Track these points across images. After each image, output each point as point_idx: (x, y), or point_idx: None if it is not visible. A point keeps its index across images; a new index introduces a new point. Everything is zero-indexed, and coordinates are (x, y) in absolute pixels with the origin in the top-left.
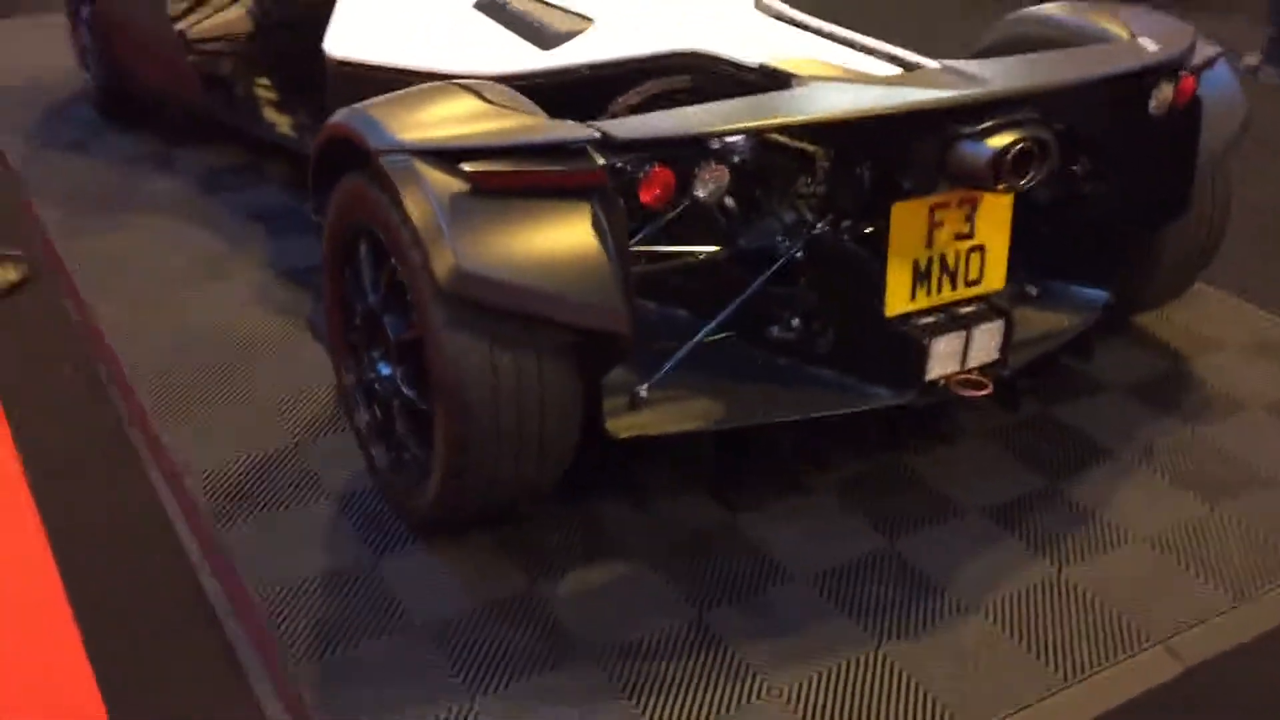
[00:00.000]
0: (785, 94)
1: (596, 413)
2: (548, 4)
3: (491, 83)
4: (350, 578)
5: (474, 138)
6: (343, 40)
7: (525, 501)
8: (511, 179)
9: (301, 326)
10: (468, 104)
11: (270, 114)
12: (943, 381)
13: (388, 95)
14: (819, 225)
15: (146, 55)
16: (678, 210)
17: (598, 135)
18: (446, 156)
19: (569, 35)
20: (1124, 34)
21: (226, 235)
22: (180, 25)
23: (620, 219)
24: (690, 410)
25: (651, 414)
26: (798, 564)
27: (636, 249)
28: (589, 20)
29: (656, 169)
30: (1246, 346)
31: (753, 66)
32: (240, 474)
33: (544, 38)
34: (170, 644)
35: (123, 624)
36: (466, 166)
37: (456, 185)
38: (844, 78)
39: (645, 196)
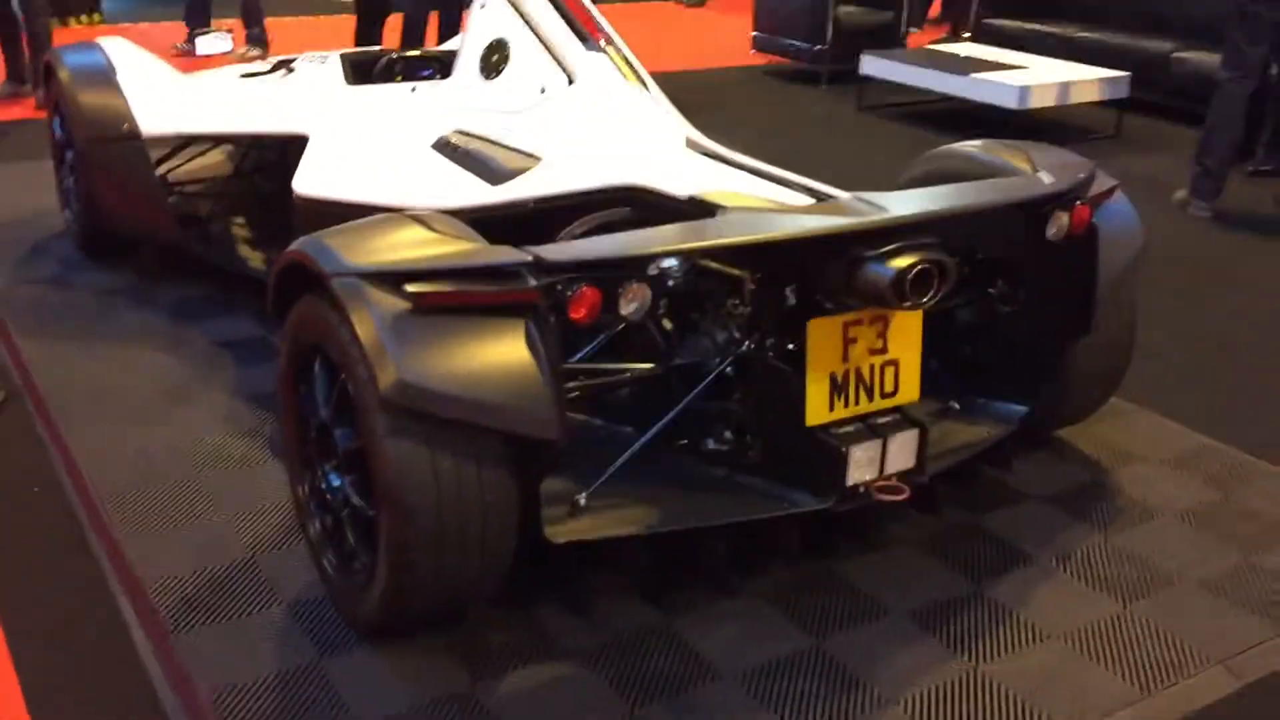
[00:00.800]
0: (703, 222)
1: (535, 518)
2: (500, 145)
3: (437, 213)
4: (299, 679)
5: (417, 261)
6: (310, 180)
7: (468, 603)
8: (451, 298)
9: (263, 446)
10: (414, 232)
11: (243, 250)
12: (863, 488)
13: (341, 225)
14: (746, 343)
15: (124, 196)
16: (615, 329)
17: (530, 259)
18: (391, 278)
19: (517, 172)
20: (1028, 168)
21: (196, 363)
22: (162, 169)
23: (551, 335)
24: (626, 517)
25: (589, 520)
26: (727, 662)
27: (578, 365)
28: (537, 158)
29: (584, 289)
30: (1164, 460)
31: (682, 198)
32: (198, 584)
33: (495, 174)
34: None
35: None
36: (409, 287)
37: (400, 305)
38: (760, 207)
39: (574, 313)
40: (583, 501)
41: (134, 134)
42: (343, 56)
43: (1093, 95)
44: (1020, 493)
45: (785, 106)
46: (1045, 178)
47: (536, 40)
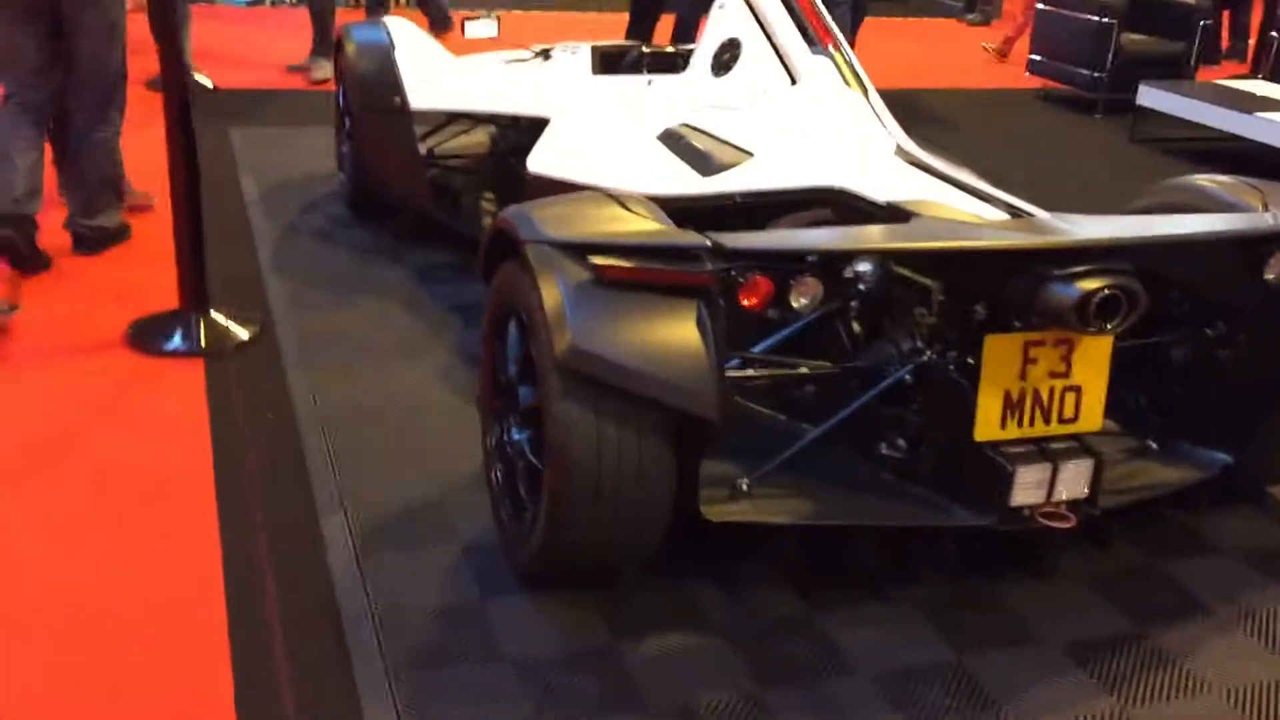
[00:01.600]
0: (889, 227)
1: (693, 495)
2: (719, 139)
3: (636, 195)
4: (458, 613)
5: (605, 235)
6: (543, 159)
7: (621, 565)
8: (631, 273)
9: (470, 401)
10: (609, 210)
11: (487, 223)
12: (1027, 511)
13: (548, 199)
14: (928, 352)
15: (388, 164)
16: (800, 322)
17: (708, 244)
18: (579, 249)
19: (729, 166)
20: (1259, 205)
21: (429, 321)
22: (430, 142)
23: (721, 319)
24: (784, 506)
25: (748, 504)
26: (864, 662)
27: (757, 355)
28: (750, 154)
29: (757, 278)
30: None
31: (882, 204)
32: (390, 516)
33: (708, 166)
34: (300, 645)
35: (263, 620)
36: (593, 259)
37: (584, 275)
38: (952, 218)
39: (745, 300)
40: (745, 486)
41: (404, 107)
42: (593, 48)
43: None
44: (1212, 544)
45: (1054, 132)
46: (1269, 217)
47: (766, 41)
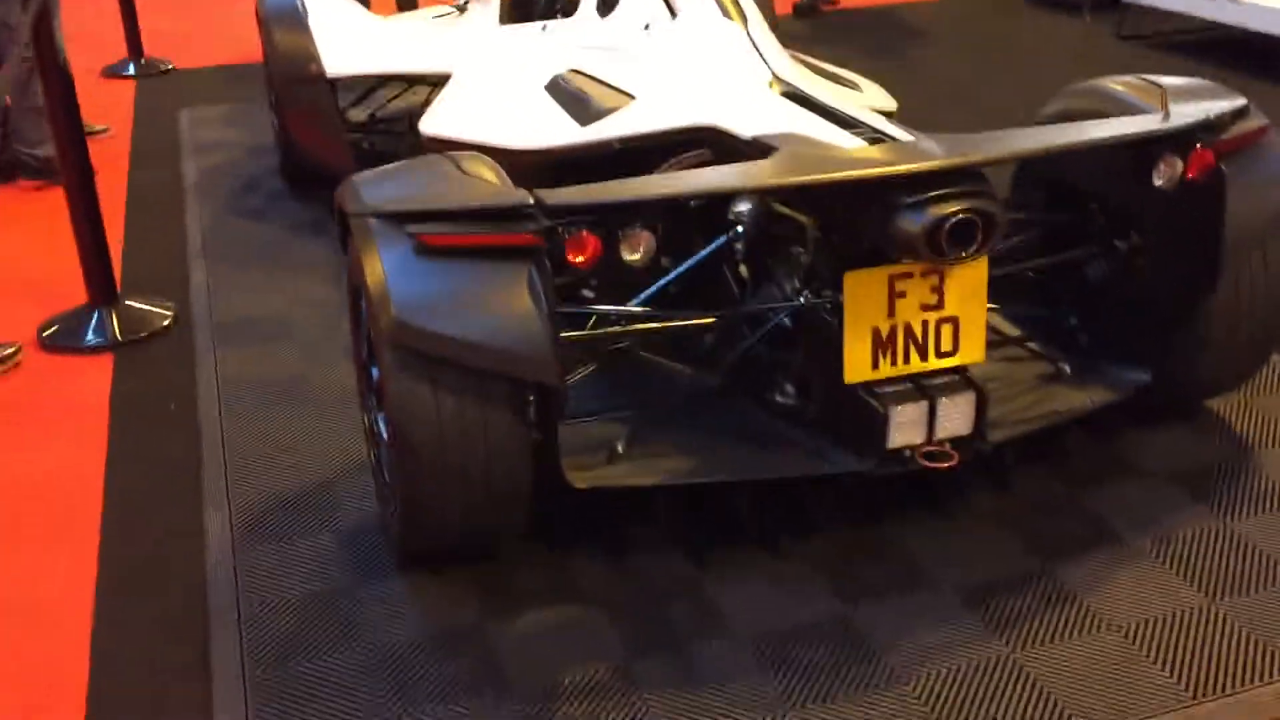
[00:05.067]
0: (723, 169)
1: (556, 463)
2: (602, 83)
3: (474, 154)
4: (329, 600)
5: (427, 202)
6: (434, 119)
7: (488, 538)
8: (452, 240)
9: None
10: (440, 173)
11: None
12: (908, 451)
13: (385, 166)
14: (804, 294)
15: (310, 134)
16: (678, 272)
17: (531, 201)
18: (400, 219)
19: (609, 111)
20: (1157, 105)
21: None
22: (369, 107)
23: (549, 278)
24: (657, 466)
25: (622, 468)
26: (743, 622)
27: (638, 310)
28: (631, 97)
29: (583, 233)
30: None
31: (747, 139)
32: (275, 506)
33: (587, 114)
34: (162, 644)
35: (128, 619)
36: (409, 228)
37: (405, 245)
38: (810, 151)
39: (572, 257)
40: (620, 449)
41: (320, 75)
42: None
43: None
44: (1138, 468)
45: (1041, 35)
46: (1156, 119)
47: None
